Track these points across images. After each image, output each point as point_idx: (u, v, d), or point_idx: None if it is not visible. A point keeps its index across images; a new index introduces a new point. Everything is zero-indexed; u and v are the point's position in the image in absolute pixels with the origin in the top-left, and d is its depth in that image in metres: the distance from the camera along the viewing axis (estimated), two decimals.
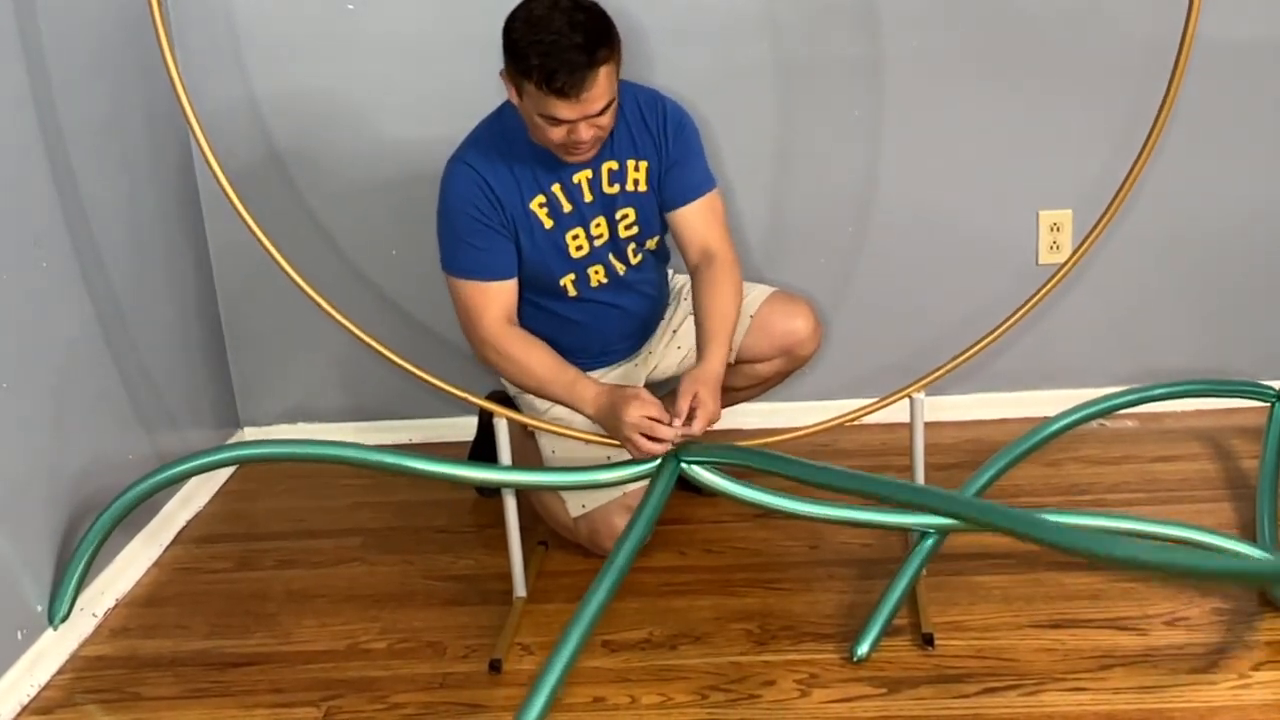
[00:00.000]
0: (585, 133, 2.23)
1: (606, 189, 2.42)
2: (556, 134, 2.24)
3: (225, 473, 3.08)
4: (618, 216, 2.45)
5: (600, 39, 2.16)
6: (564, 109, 2.18)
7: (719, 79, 2.92)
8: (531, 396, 2.53)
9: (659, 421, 2.26)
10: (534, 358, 2.40)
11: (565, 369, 2.39)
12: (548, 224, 2.41)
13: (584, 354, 2.55)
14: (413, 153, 2.95)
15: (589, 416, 2.38)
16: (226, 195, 2.34)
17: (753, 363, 2.67)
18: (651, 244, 2.54)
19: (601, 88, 2.18)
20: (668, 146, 2.43)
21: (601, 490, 2.46)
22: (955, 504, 2.10)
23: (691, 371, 2.34)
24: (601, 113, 2.22)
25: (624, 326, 2.62)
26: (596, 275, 2.50)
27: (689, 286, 2.60)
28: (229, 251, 3.10)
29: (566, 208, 2.41)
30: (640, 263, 2.55)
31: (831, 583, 2.46)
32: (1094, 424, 2.94)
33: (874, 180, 2.99)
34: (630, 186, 2.43)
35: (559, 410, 2.48)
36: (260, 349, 3.20)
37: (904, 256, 3.05)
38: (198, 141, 2.33)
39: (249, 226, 2.34)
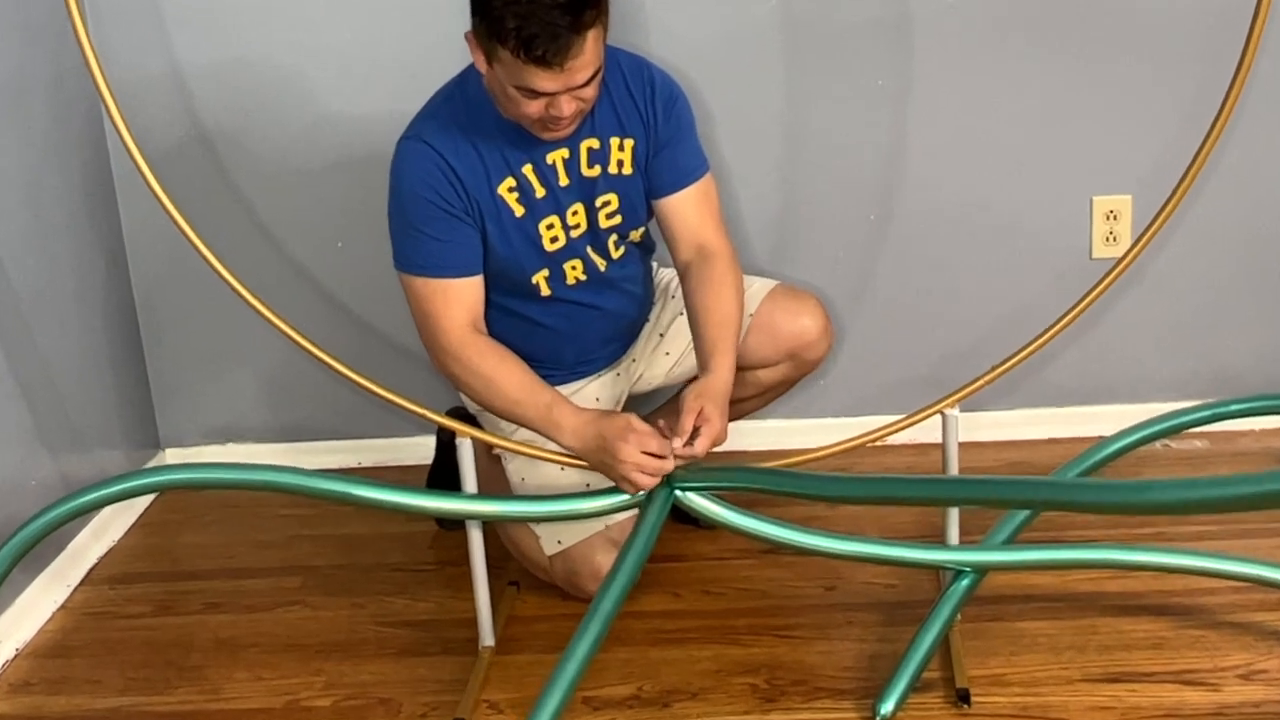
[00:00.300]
0: (567, 107, 2.22)
1: (585, 171, 2.41)
2: (533, 108, 2.22)
3: (143, 502, 3.07)
4: (598, 204, 2.45)
5: None
6: (544, 80, 2.17)
7: (718, 42, 2.91)
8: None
9: (661, 457, 2.26)
10: (504, 374, 2.38)
11: (541, 389, 2.38)
12: (518, 211, 2.40)
13: (556, 366, 2.57)
14: (362, 130, 2.94)
15: (567, 449, 2.37)
16: (144, 179, 2.33)
17: (754, 368, 2.68)
18: (636, 235, 2.54)
19: (588, 55, 2.16)
20: (657, 124, 2.43)
21: (581, 523, 2.46)
22: (1031, 490, 2.09)
23: (696, 385, 2.34)
24: (587, 84, 2.21)
25: (604, 330, 2.61)
26: (574, 272, 2.49)
27: (677, 282, 2.61)
28: (147, 244, 3.08)
29: (539, 193, 2.40)
30: (623, 256, 2.54)
31: (851, 630, 2.46)
32: (1158, 445, 2.95)
33: (899, 161, 2.99)
34: (613, 169, 2.43)
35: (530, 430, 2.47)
36: (183, 358, 3.18)
37: (934, 250, 3.04)
38: (111, 116, 2.33)
39: (170, 215, 2.33)
